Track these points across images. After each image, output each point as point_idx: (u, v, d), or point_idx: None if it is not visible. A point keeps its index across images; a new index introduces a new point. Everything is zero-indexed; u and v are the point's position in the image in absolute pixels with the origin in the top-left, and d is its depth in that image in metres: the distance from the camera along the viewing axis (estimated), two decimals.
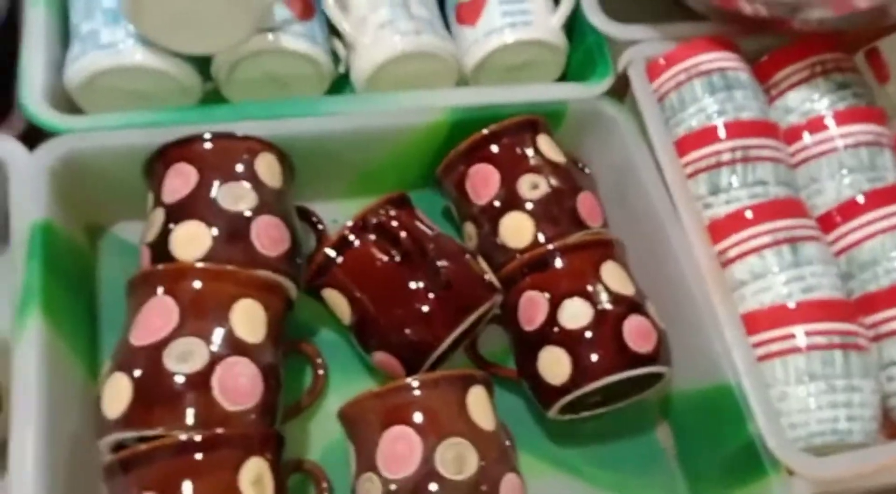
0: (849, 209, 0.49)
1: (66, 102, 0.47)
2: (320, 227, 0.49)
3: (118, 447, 0.37)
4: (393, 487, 0.37)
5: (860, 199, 0.49)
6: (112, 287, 0.48)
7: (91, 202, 0.47)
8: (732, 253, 0.47)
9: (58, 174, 0.44)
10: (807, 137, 0.52)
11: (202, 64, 0.49)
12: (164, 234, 0.41)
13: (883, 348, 0.46)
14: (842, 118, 0.51)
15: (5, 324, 0.41)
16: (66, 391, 0.40)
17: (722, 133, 0.49)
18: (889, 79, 0.55)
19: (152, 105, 0.48)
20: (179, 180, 0.42)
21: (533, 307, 0.44)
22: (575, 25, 0.54)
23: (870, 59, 0.55)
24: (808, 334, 0.44)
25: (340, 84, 0.54)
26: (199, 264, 0.39)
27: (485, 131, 0.48)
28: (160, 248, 0.41)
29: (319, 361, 0.46)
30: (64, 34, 0.49)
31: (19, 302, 0.39)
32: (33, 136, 0.45)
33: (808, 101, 0.52)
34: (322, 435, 0.45)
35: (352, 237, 0.43)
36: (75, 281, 0.45)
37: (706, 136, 0.50)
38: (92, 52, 0.46)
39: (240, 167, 0.43)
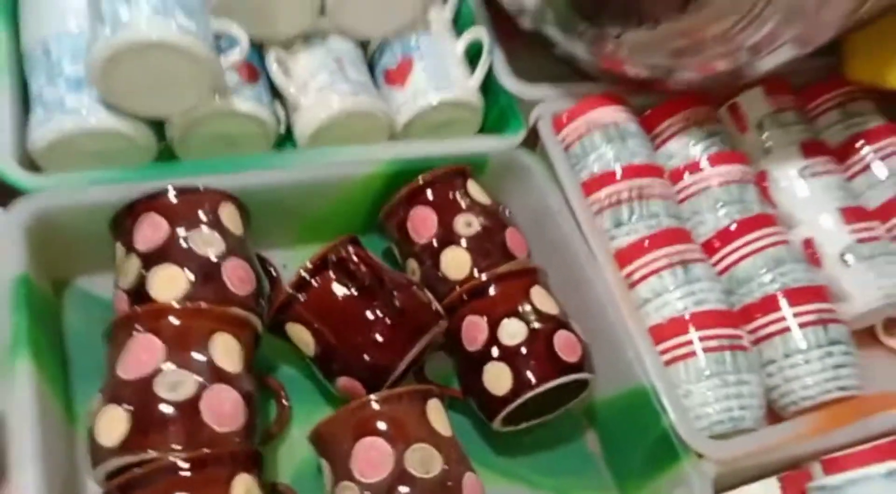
0: (725, 236, 0.59)
1: (28, 163, 0.50)
2: (274, 273, 0.54)
3: (111, 476, 0.40)
4: (369, 491, 0.42)
5: (733, 227, 0.59)
6: (78, 336, 0.50)
7: (57, 256, 0.50)
8: (636, 276, 0.55)
9: (31, 231, 0.46)
10: (687, 178, 0.61)
11: (157, 125, 0.54)
12: (141, 278, 0.45)
13: (762, 350, 0.55)
14: (714, 161, 0.61)
15: None
16: (53, 430, 0.43)
17: (619, 176, 0.58)
18: (747, 128, 0.66)
19: (110, 164, 0.52)
20: (151, 230, 0.46)
21: (474, 329, 0.50)
22: (489, 86, 0.62)
23: (731, 112, 0.66)
24: (701, 339, 0.53)
25: (281, 142, 0.59)
26: (180, 304, 0.43)
27: (421, 180, 0.54)
28: (138, 292, 0.45)
29: (283, 394, 0.50)
30: (23, 100, 0.52)
31: (10, 348, 0.42)
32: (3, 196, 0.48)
33: (686, 147, 0.62)
34: (290, 461, 0.49)
35: (312, 275, 0.48)
36: (50, 330, 0.47)
37: (607, 178, 0.58)
38: (57, 117, 0.49)
39: (206, 217, 0.48)
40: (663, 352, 0.53)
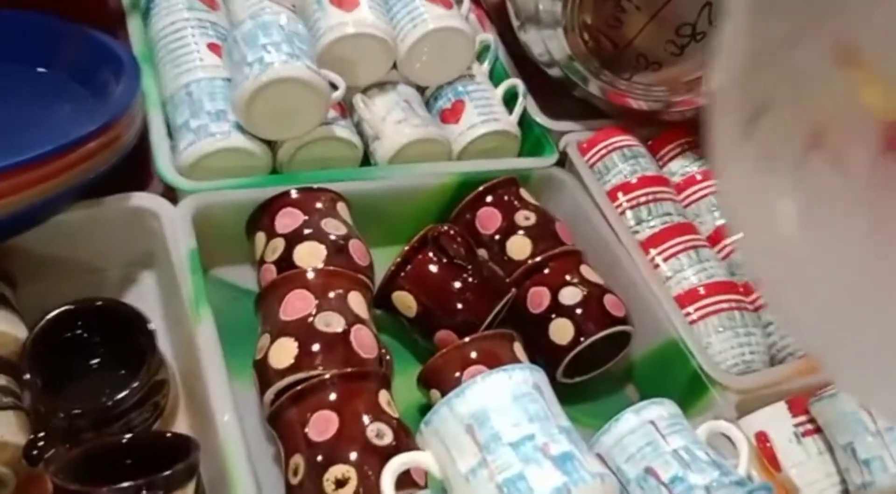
0: (722, 232, 0.73)
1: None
2: None
3: (277, 396, 0.51)
4: None
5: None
6: (217, 312, 0.62)
7: (202, 247, 0.62)
8: (658, 259, 0.69)
9: (194, 220, 0.59)
10: (687, 189, 0.76)
11: (272, 148, 0.67)
12: (288, 253, 0.57)
13: (761, 315, 0.69)
14: (707, 175, 0.76)
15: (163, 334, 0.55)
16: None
17: (636, 184, 0.73)
18: None
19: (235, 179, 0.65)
20: (289, 219, 0.59)
21: (539, 297, 0.63)
22: (524, 121, 0.78)
23: None
24: (715, 302, 0.66)
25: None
26: (325, 267, 0.56)
27: (483, 187, 0.69)
28: (285, 263, 0.57)
29: (385, 350, 0.61)
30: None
31: (193, 300, 0.54)
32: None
33: (684, 166, 0.78)
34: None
35: (415, 251, 0.61)
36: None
37: (627, 187, 0.73)
38: (205, 139, 0.63)
39: (327, 209, 0.61)
40: (685, 315, 0.66)
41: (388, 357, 0.62)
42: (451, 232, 0.60)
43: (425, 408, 0.56)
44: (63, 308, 0.50)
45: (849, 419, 0.57)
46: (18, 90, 0.63)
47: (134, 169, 0.62)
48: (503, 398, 0.41)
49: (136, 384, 0.49)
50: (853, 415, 0.57)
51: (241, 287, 0.64)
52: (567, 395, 0.65)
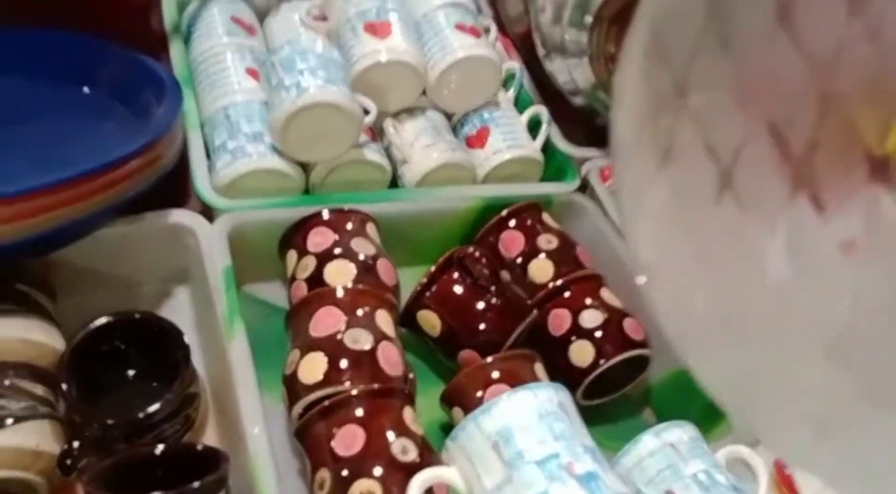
0: None
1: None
2: None
3: (306, 410, 0.53)
4: None
5: None
6: (250, 328, 0.64)
7: (237, 264, 0.64)
8: None
9: (228, 238, 0.61)
10: None
11: (305, 170, 0.70)
12: (319, 270, 0.59)
13: None
14: None
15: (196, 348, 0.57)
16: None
17: None
18: None
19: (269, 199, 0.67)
20: (320, 238, 0.61)
21: (559, 319, 0.65)
22: (548, 147, 0.80)
23: None
24: None
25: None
26: (354, 287, 0.58)
27: (507, 211, 0.70)
28: (315, 280, 0.59)
29: (409, 368, 0.63)
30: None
31: (227, 316, 0.56)
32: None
33: None
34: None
35: (440, 272, 0.62)
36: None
37: None
38: (242, 160, 0.65)
39: (357, 229, 0.63)
40: None
41: (411, 376, 0.63)
42: (476, 254, 0.62)
43: (448, 427, 0.58)
44: (102, 321, 0.52)
45: None
46: (65, 109, 0.66)
47: (173, 187, 0.65)
48: (529, 416, 0.42)
49: (169, 397, 0.50)
50: None
51: (272, 304, 0.66)
52: (585, 417, 0.66)
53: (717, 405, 0.62)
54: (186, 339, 0.54)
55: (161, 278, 0.64)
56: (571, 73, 0.76)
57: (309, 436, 0.52)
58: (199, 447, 0.51)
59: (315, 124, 0.65)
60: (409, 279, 0.64)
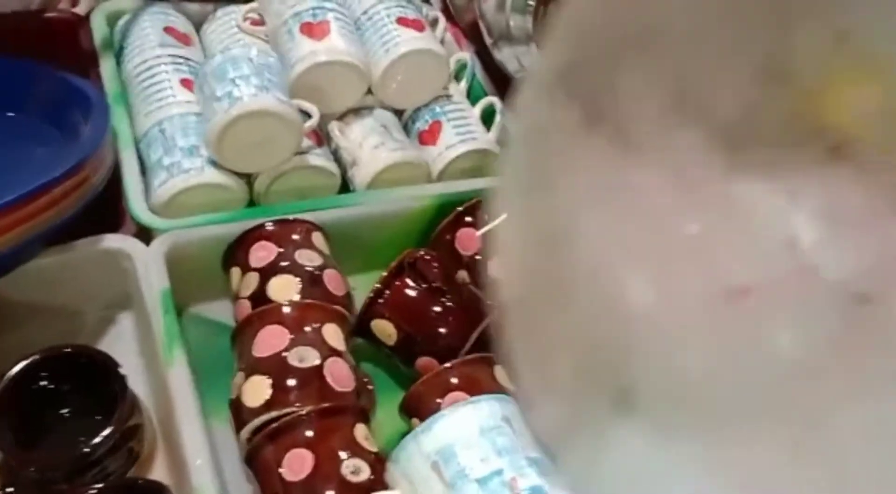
0: None
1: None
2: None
3: (253, 435, 0.51)
4: None
5: None
6: (197, 350, 0.61)
7: (178, 286, 0.61)
8: None
9: (167, 260, 0.59)
10: None
11: (247, 181, 0.67)
12: (262, 287, 0.57)
13: None
14: None
15: (135, 376, 0.54)
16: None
17: None
18: None
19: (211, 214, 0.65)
20: (263, 252, 0.59)
21: None
22: (505, 140, 0.77)
23: None
24: None
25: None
26: (298, 301, 0.55)
27: (462, 207, 0.68)
28: (259, 298, 0.56)
29: (367, 380, 0.61)
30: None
31: (165, 342, 0.53)
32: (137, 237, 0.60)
33: None
34: (377, 437, 0.59)
35: (392, 278, 0.60)
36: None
37: None
38: (178, 176, 0.63)
39: (302, 239, 0.60)
40: None
41: (370, 387, 0.61)
42: (427, 257, 0.60)
43: None
44: (29, 360, 0.50)
45: None
46: None
47: (108, 210, 0.62)
48: (470, 433, 0.40)
49: (107, 433, 0.48)
50: None
51: (221, 323, 0.63)
52: None
53: None
54: (122, 370, 0.51)
55: (104, 304, 0.62)
56: (520, 60, 0.74)
57: (258, 462, 0.50)
58: (140, 481, 0.48)
59: (252, 134, 0.62)
60: (366, 286, 0.62)
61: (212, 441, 0.55)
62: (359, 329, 0.61)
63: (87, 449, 0.48)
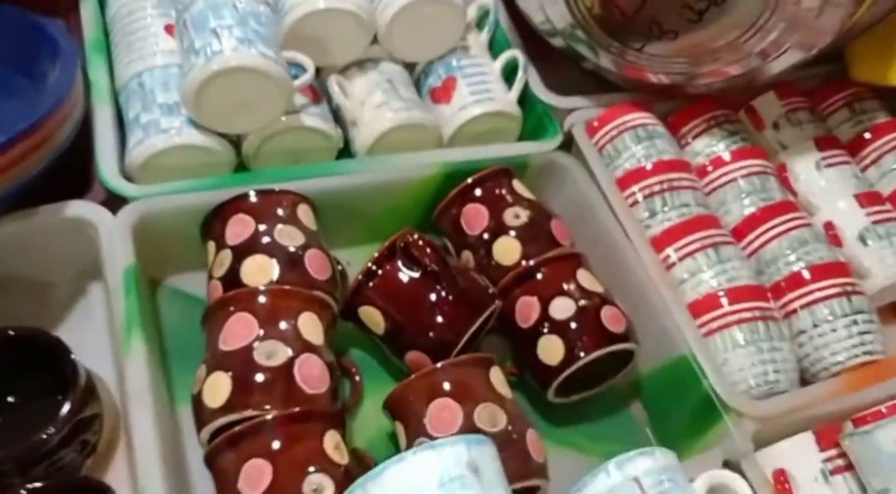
0: (751, 222, 0.64)
1: (126, 178, 0.57)
2: (340, 268, 0.60)
3: (214, 436, 0.46)
4: None
5: (758, 213, 0.64)
6: (170, 328, 0.57)
7: (152, 257, 0.56)
8: (672, 259, 0.61)
9: (136, 231, 0.53)
10: (713, 172, 0.67)
11: (234, 142, 0.61)
12: (234, 268, 0.51)
13: (792, 322, 0.60)
14: (737, 155, 0.66)
15: (97, 364, 0.50)
16: (160, 404, 0.48)
17: (651, 170, 0.64)
18: (764, 127, 0.71)
19: (194, 178, 0.59)
20: (240, 227, 0.53)
21: (527, 308, 0.56)
22: (527, 99, 0.69)
23: (748, 113, 0.72)
24: (735, 312, 0.57)
25: (339, 157, 0.66)
26: (272, 286, 0.49)
27: (470, 180, 0.61)
28: (231, 280, 0.51)
29: (355, 370, 0.56)
30: (118, 125, 0.60)
31: (124, 327, 0.48)
32: (108, 203, 0.55)
33: (710, 145, 0.68)
34: (363, 432, 0.54)
35: (382, 261, 0.54)
36: (151, 319, 0.54)
37: (639, 174, 0.64)
38: (155, 136, 0.57)
39: (285, 214, 0.54)
40: (700, 325, 0.58)
41: (356, 379, 0.56)
42: (421, 241, 0.53)
43: (396, 438, 0.51)
44: None
45: (886, 460, 0.48)
46: None
47: (78, 172, 0.57)
48: (428, 485, 0.34)
49: (52, 428, 0.44)
50: (892, 456, 0.48)
51: (200, 298, 0.58)
52: (563, 414, 0.58)
53: (712, 403, 0.53)
54: (74, 356, 0.46)
55: (75, 274, 0.57)
56: (546, 11, 0.65)
57: (216, 469, 0.45)
58: (85, 480, 0.44)
59: (233, 92, 0.55)
60: (362, 260, 0.55)
61: (177, 429, 0.52)
62: (346, 313, 0.55)
63: (32, 444, 0.44)
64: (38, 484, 0.43)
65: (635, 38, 0.65)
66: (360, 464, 0.50)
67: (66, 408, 0.45)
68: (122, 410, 0.49)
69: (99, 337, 0.54)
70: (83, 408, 0.46)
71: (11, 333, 0.46)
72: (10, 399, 0.49)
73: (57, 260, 0.55)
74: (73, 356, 0.46)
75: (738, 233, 0.64)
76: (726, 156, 0.67)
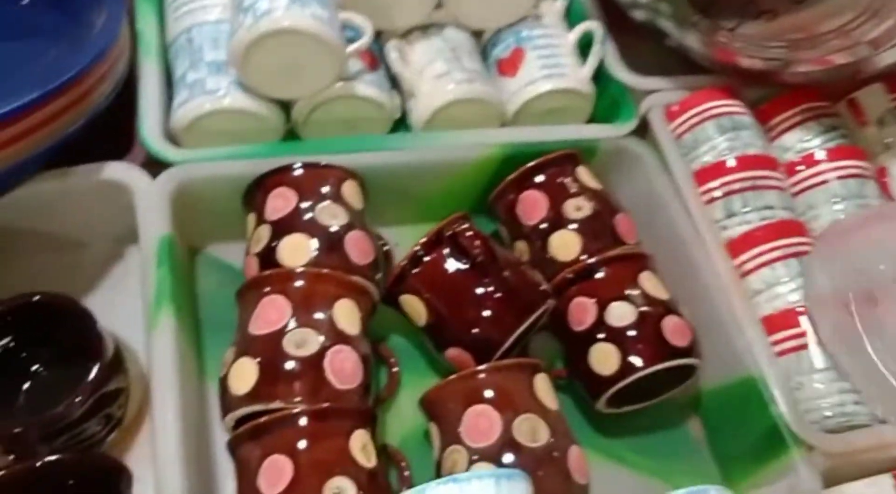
0: None
1: (170, 140, 0.54)
2: (386, 248, 0.56)
3: (239, 424, 0.43)
4: (476, 456, 0.43)
5: None
6: (207, 298, 0.54)
7: (192, 225, 0.54)
8: (748, 266, 0.55)
9: (174, 198, 0.51)
10: (803, 171, 0.60)
11: (284, 108, 0.57)
12: (271, 246, 0.48)
13: None
14: (832, 154, 0.60)
15: (130, 330, 0.48)
16: (188, 380, 0.46)
17: (733, 166, 0.58)
18: (867, 123, 0.64)
19: (241, 143, 0.55)
20: (281, 202, 0.50)
21: (582, 311, 0.51)
22: (601, 76, 0.63)
23: (850, 106, 0.64)
24: None
25: (395, 128, 0.62)
26: (308, 269, 0.46)
27: (532, 164, 0.56)
28: (268, 258, 0.48)
29: (393, 360, 0.53)
30: (167, 83, 0.57)
31: (153, 300, 0.46)
32: (148, 166, 0.52)
33: (802, 140, 0.61)
34: (397, 425, 0.51)
35: (428, 249, 0.50)
36: (186, 290, 0.51)
37: (719, 169, 0.58)
38: (199, 97, 0.54)
39: (330, 190, 0.50)
40: (774, 343, 0.52)
41: (394, 370, 0.52)
42: (471, 232, 0.49)
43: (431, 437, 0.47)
44: None
45: None
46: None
47: (120, 130, 0.54)
48: None
49: (72, 403, 0.42)
50: None
51: (238, 269, 0.55)
52: (611, 424, 0.54)
53: (779, 433, 0.48)
54: (100, 326, 0.44)
55: (111, 237, 0.55)
56: None
57: (237, 458, 0.43)
58: (96, 458, 0.43)
59: (283, 55, 0.52)
60: (411, 240, 0.52)
61: (206, 404, 0.49)
62: (387, 300, 0.52)
63: (51, 416, 0.42)
64: (52, 458, 0.41)
65: (728, 16, 0.59)
66: (390, 464, 0.47)
67: (88, 382, 0.43)
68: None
69: (134, 302, 0.52)
70: (107, 382, 0.44)
71: (37, 298, 0.45)
72: (36, 368, 0.47)
73: (92, 222, 0.53)
74: (99, 327, 0.44)
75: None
76: (820, 154, 0.60)
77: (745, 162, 0.58)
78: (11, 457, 0.43)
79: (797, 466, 0.47)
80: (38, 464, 0.41)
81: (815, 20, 0.55)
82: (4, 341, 0.45)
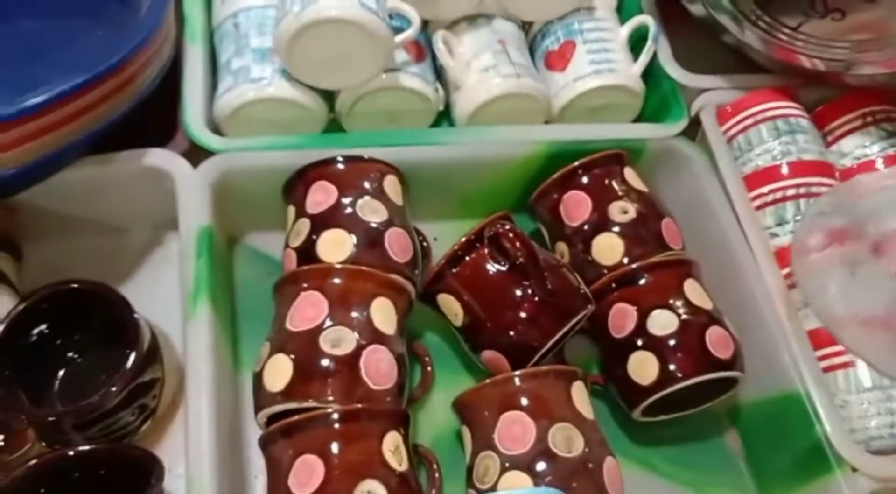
0: None
1: (212, 128, 0.54)
2: (425, 244, 0.56)
3: (272, 420, 0.43)
4: (509, 463, 0.43)
5: None
6: (245, 289, 0.54)
7: (233, 214, 0.54)
8: None
9: (215, 188, 0.50)
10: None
11: (328, 98, 0.57)
12: (311, 240, 0.47)
13: None
14: (892, 162, 0.57)
15: (167, 318, 0.48)
16: (223, 371, 0.46)
17: (786, 172, 0.56)
18: None
19: (284, 133, 0.55)
20: (321, 195, 0.49)
21: (622, 317, 0.50)
22: (652, 73, 0.61)
23: None
24: None
25: (439, 120, 0.61)
26: (347, 266, 0.45)
27: (577, 163, 0.54)
28: (307, 252, 0.47)
29: (428, 359, 0.52)
30: (212, 70, 0.56)
31: (191, 291, 0.46)
32: (191, 153, 0.52)
33: (861, 146, 0.59)
34: (430, 425, 0.51)
35: (467, 248, 0.49)
36: (224, 279, 0.51)
37: (772, 174, 0.56)
38: (243, 85, 0.53)
39: (371, 185, 0.50)
40: (821, 358, 0.50)
41: (429, 369, 0.52)
42: (512, 233, 0.48)
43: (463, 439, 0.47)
44: (29, 301, 0.44)
45: None
46: (46, 9, 0.56)
47: (164, 117, 0.54)
48: None
49: (106, 393, 0.42)
50: None
51: (277, 260, 0.55)
52: (646, 431, 0.53)
53: (822, 452, 0.47)
54: (137, 315, 0.44)
55: (152, 223, 0.55)
56: None
57: (268, 456, 0.42)
58: (134, 450, 0.43)
59: (329, 45, 0.51)
60: (451, 237, 0.51)
61: (240, 394, 0.49)
62: (425, 298, 0.51)
63: (85, 406, 0.42)
64: (84, 448, 0.42)
65: (791, 13, 0.56)
66: (421, 463, 0.47)
67: (124, 371, 0.43)
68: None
69: (172, 289, 0.52)
70: (143, 372, 0.45)
71: (75, 286, 0.45)
72: (72, 355, 0.48)
73: (133, 208, 0.53)
74: (136, 316, 0.44)
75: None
76: (879, 161, 0.57)
77: (799, 168, 0.56)
78: (44, 445, 0.43)
79: (841, 487, 0.46)
80: (71, 453, 0.41)
81: (886, 19, 0.52)
82: (40, 328, 0.45)
